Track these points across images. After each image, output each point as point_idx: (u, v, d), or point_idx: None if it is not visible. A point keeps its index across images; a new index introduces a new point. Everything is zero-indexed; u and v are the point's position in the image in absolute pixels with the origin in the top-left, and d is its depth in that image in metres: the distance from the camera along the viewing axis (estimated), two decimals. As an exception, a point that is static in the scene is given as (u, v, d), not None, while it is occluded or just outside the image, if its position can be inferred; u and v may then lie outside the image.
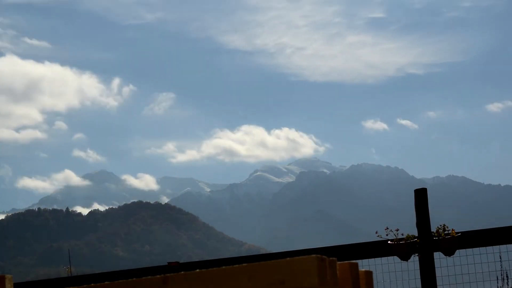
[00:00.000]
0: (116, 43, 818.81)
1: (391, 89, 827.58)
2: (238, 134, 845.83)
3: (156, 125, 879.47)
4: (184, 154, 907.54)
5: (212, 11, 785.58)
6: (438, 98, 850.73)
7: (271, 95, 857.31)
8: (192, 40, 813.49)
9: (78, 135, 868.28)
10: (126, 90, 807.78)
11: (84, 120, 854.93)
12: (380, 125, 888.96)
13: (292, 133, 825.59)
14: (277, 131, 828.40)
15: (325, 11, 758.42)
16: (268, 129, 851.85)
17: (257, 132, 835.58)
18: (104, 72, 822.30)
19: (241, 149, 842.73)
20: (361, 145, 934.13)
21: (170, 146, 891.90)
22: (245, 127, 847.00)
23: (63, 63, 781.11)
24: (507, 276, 12.59)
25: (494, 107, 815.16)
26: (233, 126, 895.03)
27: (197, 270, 4.30)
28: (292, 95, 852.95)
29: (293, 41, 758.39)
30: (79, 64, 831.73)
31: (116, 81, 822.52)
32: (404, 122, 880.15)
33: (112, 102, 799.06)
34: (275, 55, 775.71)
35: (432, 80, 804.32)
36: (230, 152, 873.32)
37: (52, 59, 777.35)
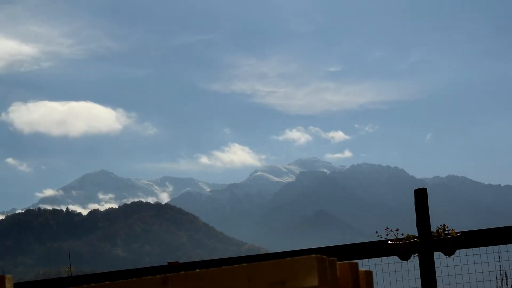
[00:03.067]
0: (117, 90, 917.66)
1: (363, 116, 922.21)
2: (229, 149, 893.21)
3: (154, 143, 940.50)
4: (184, 155, 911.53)
5: (190, 67, 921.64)
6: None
7: (251, 120, 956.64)
8: (175, 83, 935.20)
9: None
10: (128, 119, 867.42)
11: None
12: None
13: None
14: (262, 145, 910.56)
15: (289, 66, 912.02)
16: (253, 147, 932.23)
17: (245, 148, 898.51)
18: (113, 107, 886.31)
19: (238, 155, 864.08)
20: (361, 145, 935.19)
21: (168, 153, 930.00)
22: (233, 146, 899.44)
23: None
24: (506, 276, 12.58)
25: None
26: (224, 143, 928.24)
27: (197, 270, 4.29)
28: (272, 122, 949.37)
29: (264, 87, 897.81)
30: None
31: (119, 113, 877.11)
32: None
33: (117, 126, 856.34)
34: (251, 96, 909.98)
35: (395, 112, 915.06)
36: (230, 153, 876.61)
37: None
